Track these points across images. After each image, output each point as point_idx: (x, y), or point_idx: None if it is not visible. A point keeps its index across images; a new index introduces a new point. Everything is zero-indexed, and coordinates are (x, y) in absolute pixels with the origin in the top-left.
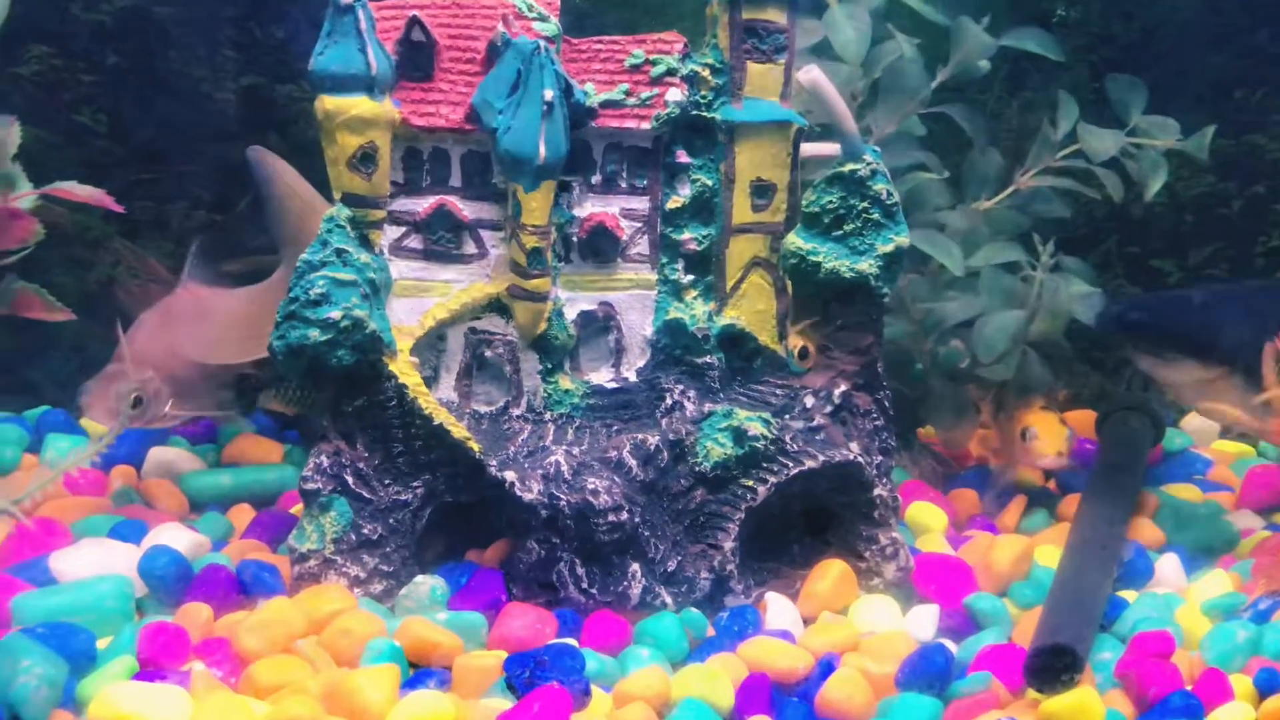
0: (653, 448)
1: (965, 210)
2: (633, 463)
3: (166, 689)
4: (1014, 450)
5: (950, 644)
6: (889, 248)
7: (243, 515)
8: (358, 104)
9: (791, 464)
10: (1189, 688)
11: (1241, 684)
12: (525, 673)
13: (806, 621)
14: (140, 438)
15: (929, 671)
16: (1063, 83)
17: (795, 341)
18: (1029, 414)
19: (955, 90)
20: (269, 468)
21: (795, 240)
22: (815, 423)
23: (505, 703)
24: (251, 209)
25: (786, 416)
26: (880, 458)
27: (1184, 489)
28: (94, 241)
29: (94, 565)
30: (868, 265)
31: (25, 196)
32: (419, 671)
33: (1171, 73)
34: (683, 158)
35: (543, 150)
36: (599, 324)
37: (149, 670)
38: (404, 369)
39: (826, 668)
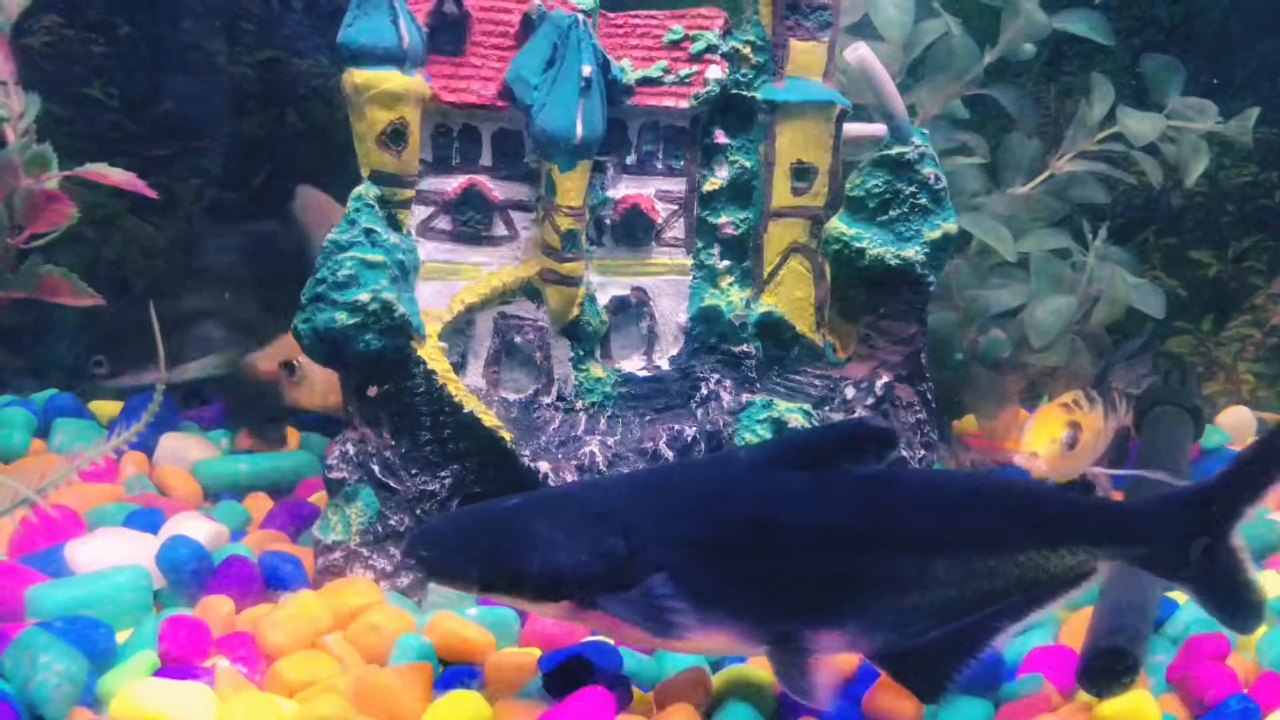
0: (689, 439)
1: (1002, 196)
2: (669, 454)
3: (191, 686)
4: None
5: None
6: (936, 234)
7: (259, 503)
8: (388, 78)
9: None
10: (1245, 691)
11: None
12: (564, 672)
13: None
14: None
15: (980, 673)
16: (1104, 67)
17: (831, 333)
18: (1045, 405)
19: (994, 73)
20: (286, 455)
21: (838, 225)
22: (856, 415)
23: (542, 703)
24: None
25: (826, 408)
26: (923, 452)
27: None
28: (104, 220)
29: (111, 555)
30: (914, 252)
31: (55, 178)
32: (450, 669)
33: (1216, 58)
34: (721, 138)
35: (579, 129)
36: (632, 310)
37: (171, 666)
38: (432, 354)
39: (872, 668)
